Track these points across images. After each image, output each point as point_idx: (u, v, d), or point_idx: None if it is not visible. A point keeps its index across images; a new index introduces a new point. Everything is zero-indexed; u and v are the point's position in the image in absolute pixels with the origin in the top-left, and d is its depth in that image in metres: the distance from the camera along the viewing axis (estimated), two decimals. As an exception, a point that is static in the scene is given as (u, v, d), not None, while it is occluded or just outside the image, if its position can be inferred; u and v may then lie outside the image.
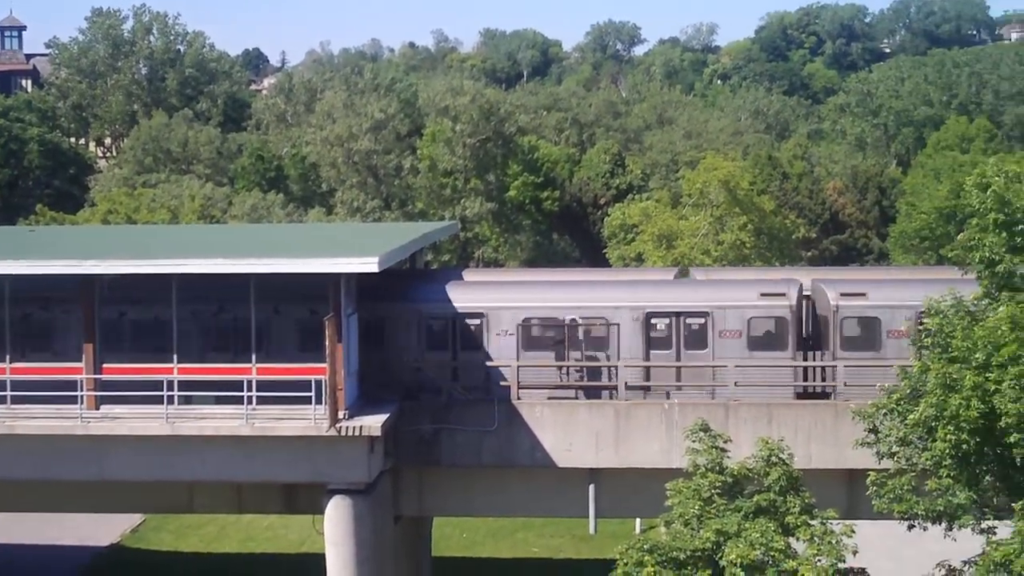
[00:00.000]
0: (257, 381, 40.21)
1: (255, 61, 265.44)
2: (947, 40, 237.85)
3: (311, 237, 55.64)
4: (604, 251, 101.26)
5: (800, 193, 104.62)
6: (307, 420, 39.48)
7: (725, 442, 33.53)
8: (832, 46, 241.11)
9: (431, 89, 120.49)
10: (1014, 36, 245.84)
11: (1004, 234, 30.99)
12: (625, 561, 31.43)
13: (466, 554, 59.78)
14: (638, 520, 57.14)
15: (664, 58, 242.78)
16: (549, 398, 43.22)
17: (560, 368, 44.05)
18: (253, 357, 40.54)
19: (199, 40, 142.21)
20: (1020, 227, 30.73)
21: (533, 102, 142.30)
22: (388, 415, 40.23)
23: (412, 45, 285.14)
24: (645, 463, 41.94)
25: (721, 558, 30.39)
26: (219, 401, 40.44)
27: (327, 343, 38.90)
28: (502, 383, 42.70)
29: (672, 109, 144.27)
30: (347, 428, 39.17)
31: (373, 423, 39.42)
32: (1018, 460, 28.65)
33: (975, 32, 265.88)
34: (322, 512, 40.73)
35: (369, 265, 38.56)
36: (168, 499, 44.88)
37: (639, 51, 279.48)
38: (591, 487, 43.16)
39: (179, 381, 40.51)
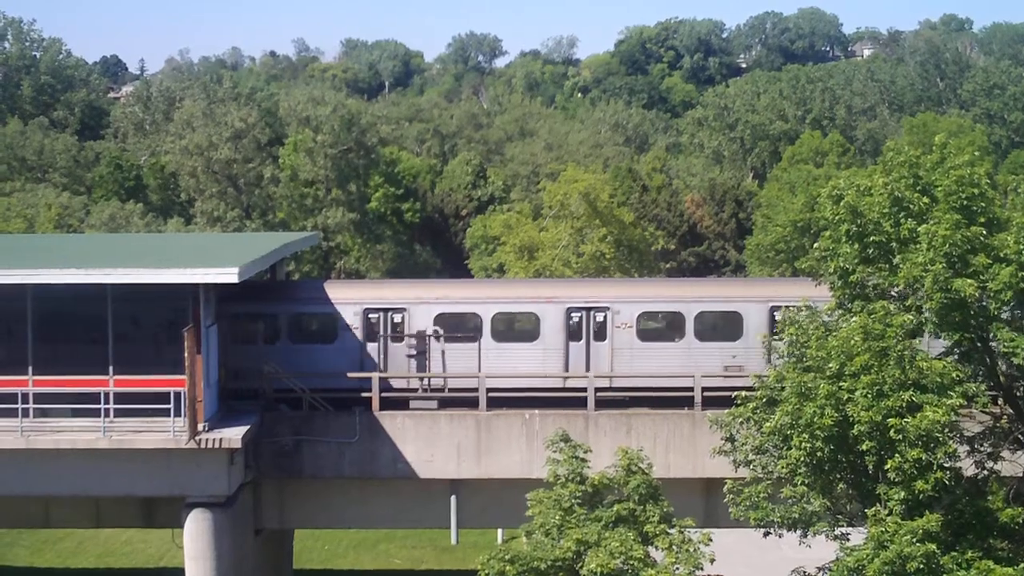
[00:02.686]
0: (115, 393, 39.64)
1: (113, 68, 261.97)
2: (802, 56, 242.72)
3: (170, 247, 54.95)
4: (466, 262, 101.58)
5: (659, 205, 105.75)
6: (166, 433, 38.97)
7: (585, 452, 33.76)
8: (690, 60, 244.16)
9: (292, 99, 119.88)
10: (866, 53, 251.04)
11: (857, 245, 31.65)
12: (487, 571, 31.52)
13: (328, 566, 59.47)
14: (500, 530, 57.34)
15: (525, 70, 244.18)
16: (412, 409, 43.31)
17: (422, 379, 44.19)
18: (110, 369, 39.96)
19: (55, 46, 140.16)
20: (872, 238, 31.39)
21: (395, 113, 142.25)
22: (248, 427, 39.91)
23: (273, 54, 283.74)
24: (506, 474, 42.10)
25: (582, 567, 30.64)
26: (76, 414, 39.78)
27: (186, 355, 38.49)
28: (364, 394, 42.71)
29: (533, 121, 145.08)
30: (206, 440, 38.77)
31: (233, 435, 39.08)
32: (870, 468, 29.21)
33: (829, 48, 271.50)
34: (181, 526, 40.24)
35: (228, 275, 38.20)
36: (23, 514, 44.00)
37: (501, 63, 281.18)
38: (453, 498, 43.23)
39: (34, 394, 39.77)
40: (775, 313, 43.00)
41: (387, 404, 42.77)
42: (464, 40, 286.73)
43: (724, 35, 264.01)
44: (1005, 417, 32.57)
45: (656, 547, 31.81)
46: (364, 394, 42.61)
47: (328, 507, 44.00)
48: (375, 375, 42.86)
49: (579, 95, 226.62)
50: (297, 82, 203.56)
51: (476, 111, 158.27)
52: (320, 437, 42.16)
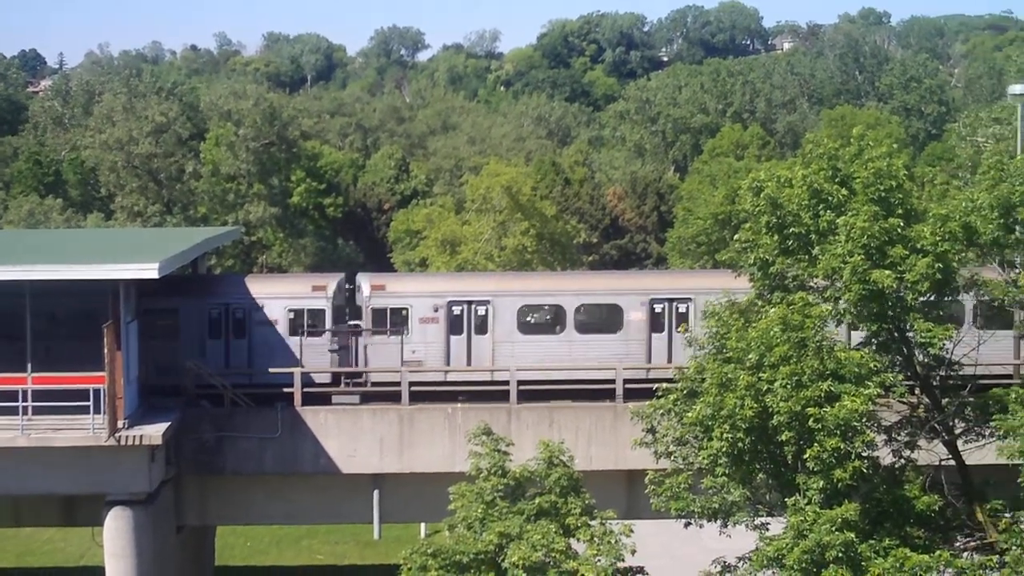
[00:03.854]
0: (33, 391, 39.18)
1: (32, 62, 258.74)
2: (722, 49, 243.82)
3: (90, 243, 54.45)
4: (389, 256, 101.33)
5: (581, 199, 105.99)
6: (85, 430, 38.62)
7: (508, 445, 33.80)
8: (612, 54, 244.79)
9: (213, 92, 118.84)
10: (786, 46, 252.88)
11: (776, 237, 31.86)
12: (409, 566, 31.50)
13: (250, 562, 59.17)
14: (423, 524, 57.27)
15: (448, 64, 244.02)
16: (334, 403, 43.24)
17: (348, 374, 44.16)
18: (29, 366, 39.49)
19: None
20: (791, 230, 31.61)
21: (317, 107, 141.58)
22: (169, 423, 39.64)
23: (194, 48, 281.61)
24: (429, 468, 42.13)
25: (504, 560, 30.65)
26: (-7, 412, 39.31)
27: (106, 351, 38.14)
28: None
29: (456, 115, 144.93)
30: (127, 437, 38.46)
31: (153, 432, 38.79)
32: (789, 457, 29.45)
33: (749, 42, 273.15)
34: (102, 524, 39.91)
35: (149, 271, 37.90)
36: (-60, 514, 43.54)
37: (423, 57, 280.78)
38: (375, 493, 43.20)
39: (-49, 392, 39.27)
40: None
41: (311, 399, 42.72)
42: (387, 34, 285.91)
43: (646, 29, 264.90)
44: (922, 406, 32.94)
45: (578, 539, 31.89)
46: (286, 389, 42.53)
47: (250, 503, 43.81)
48: (296, 371, 42.70)
49: (502, 89, 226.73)
50: (219, 76, 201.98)
51: (399, 105, 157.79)
52: (242, 433, 41.97)
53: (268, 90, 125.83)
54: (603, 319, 45.79)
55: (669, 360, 44.35)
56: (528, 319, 46.03)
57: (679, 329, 42.75)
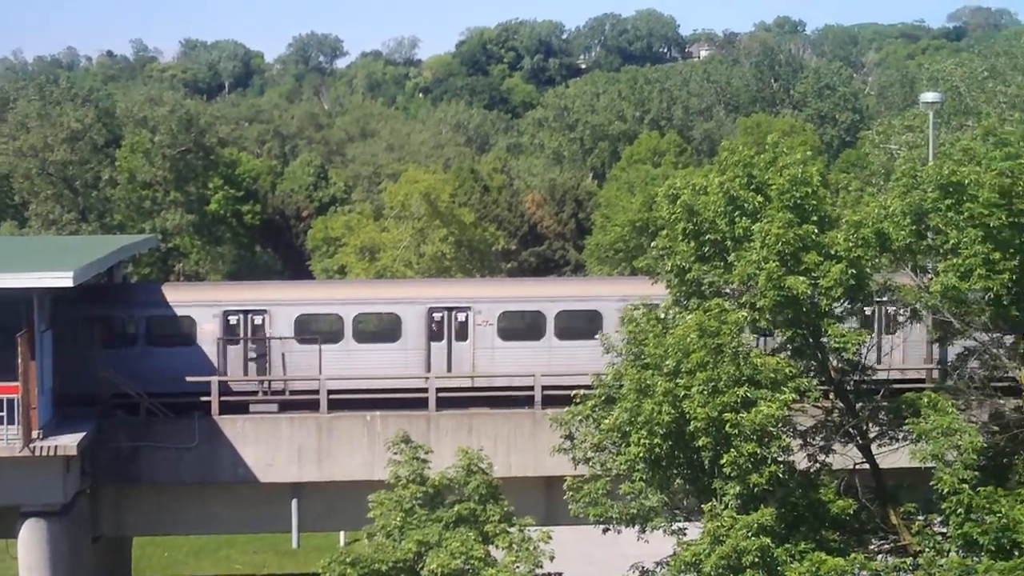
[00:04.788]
0: (-55, 401, 38.63)
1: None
2: (640, 57, 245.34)
3: (3, 251, 53.75)
4: (308, 263, 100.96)
5: (500, 206, 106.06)
6: (-1, 441, 38.17)
7: (426, 453, 33.83)
8: (530, 61, 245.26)
9: (130, 99, 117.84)
10: (703, 54, 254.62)
11: (692, 243, 32.10)
12: (328, 574, 31.46)
13: (168, 573, 58.73)
14: (342, 533, 57.11)
15: (367, 71, 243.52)
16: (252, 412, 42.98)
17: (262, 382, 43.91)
18: (-60, 376, 38.93)
19: None
20: (707, 236, 31.86)
21: (235, 113, 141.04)
22: (84, 433, 39.24)
23: (110, 54, 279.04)
24: (348, 476, 42.01)
25: (423, 568, 30.72)
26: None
27: (20, 361, 37.71)
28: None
29: (375, 122, 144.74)
30: (41, 448, 38.03)
31: (68, 442, 38.39)
32: (706, 463, 29.65)
33: (666, 50, 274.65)
34: (16, 536, 39.44)
35: (63, 280, 37.50)
36: None
37: (342, 64, 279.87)
38: (294, 502, 43.03)
39: None
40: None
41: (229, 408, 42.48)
42: (305, 40, 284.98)
43: (564, 36, 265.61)
44: (836, 411, 33.27)
45: (496, 546, 31.99)
46: (204, 398, 42.26)
47: (167, 513, 43.46)
48: (214, 379, 42.44)
49: (420, 96, 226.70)
50: (135, 82, 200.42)
51: (317, 112, 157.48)
52: (159, 443, 41.63)
53: (185, 97, 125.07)
54: (382, 329, 46.00)
55: (449, 369, 44.73)
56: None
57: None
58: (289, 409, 43.27)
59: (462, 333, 44.80)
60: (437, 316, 44.70)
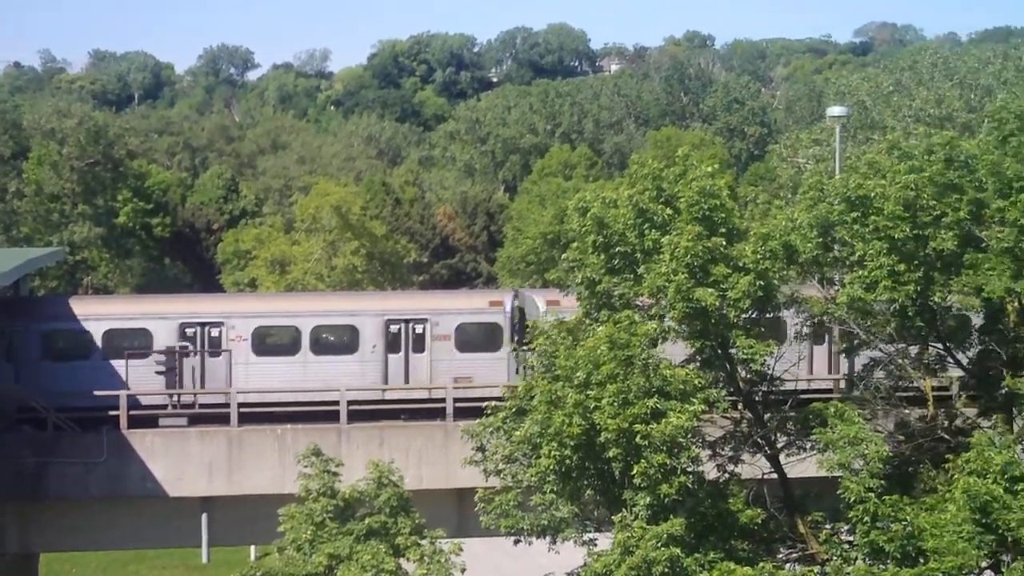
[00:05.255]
0: None
1: None
2: (551, 70, 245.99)
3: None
4: (218, 276, 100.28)
5: (411, 218, 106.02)
6: (-100, 457, 37.59)
7: (337, 466, 33.74)
8: (442, 74, 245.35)
9: (37, 111, 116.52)
10: (613, 68, 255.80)
11: (603, 256, 32.22)
12: (238, 589, 31.30)
13: (75, 590, 58.09)
14: (253, 547, 56.73)
15: (278, 83, 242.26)
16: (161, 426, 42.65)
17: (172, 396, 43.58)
18: None
19: None
20: (617, 249, 32.00)
21: (144, 125, 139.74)
22: (-12, 449, 38.74)
23: (17, 65, 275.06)
24: (259, 489, 41.73)
25: (334, 581, 30.62)
26: None
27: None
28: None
29: (286, 134, 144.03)
30: (-56, 464, 37.51)
31: (-28, 458, 37.88)
32: (617, 474, 29.76)
33: (577, 63, 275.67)
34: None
35: (-33, 293, 37.05)
36: None
37: (253, 76, 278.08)
38: (204, 516, 42.67)
39: None
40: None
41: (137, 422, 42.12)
42: (215, 52, 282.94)
43: (476, 50, 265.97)
44: (745, 421, 33.54)
45: (408, 559, 31.97)
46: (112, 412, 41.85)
47: (75, 529, 42.93)
48: (123, 393, 42.06)
49: (332, 108, 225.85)
50: (43, 94, 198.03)
51: (228, 124, 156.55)
52: (65, 458, 41.13)
53: (94, 108, 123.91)
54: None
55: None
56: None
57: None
58: (199, 423, 43.03)
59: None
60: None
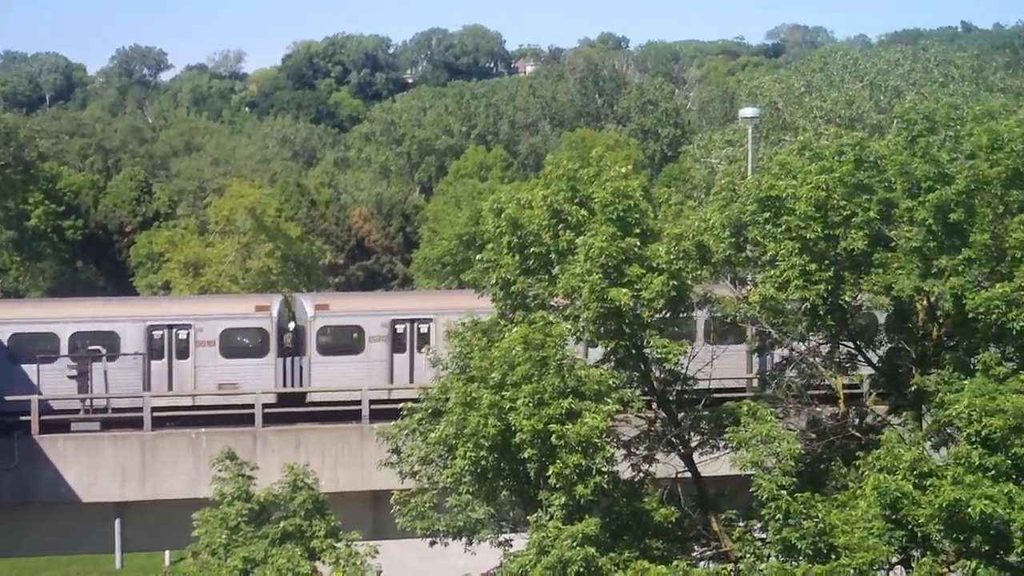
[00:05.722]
0: None
1: None
2: (466, 72, 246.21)
3: None
4: (132, 279, 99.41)
5: (327, 220, 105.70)
6: None
7: (252, 469, 33.60)
8: (357, 76, 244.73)
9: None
10: (528, 69, 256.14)
11: (517, 257, 32.27)
12: (152, 594, 31.08)
13: (-14, 597, 57.32)
14: (167, 552, 56.28)
15: (192, 84, 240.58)
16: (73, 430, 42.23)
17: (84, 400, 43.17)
18: None
19: None
20: (532, 250, 32.06)
21: (56, 127, 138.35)
22: None
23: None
24: (173, 494, 41.47)
25: (249, 585, 30.46)
26: None
27: None
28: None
29: (200, 136, 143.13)
30: None
31: None
32: (532, 474, 29.79)
33: (492, 65, 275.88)
34: None
35: None
36: None
37: (166, 77, 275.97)
38: (117, 521, 42.33)
39: None
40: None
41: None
42: (128, 53, 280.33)
43: (391, 51, 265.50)
44: (659, 421, 33.71)
45: (323, 562, 31.89)
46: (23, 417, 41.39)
47: (-16, 536, 42.45)
48: (34, 397, 41.61)
49: (246, 110, 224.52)
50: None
51: (141, 125, 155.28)
52: (-25, 464, 40.65)
53: (4, 110, 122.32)
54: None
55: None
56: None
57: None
58: (112, 427, 42.67)
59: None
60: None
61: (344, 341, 46.49)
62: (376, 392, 44.13)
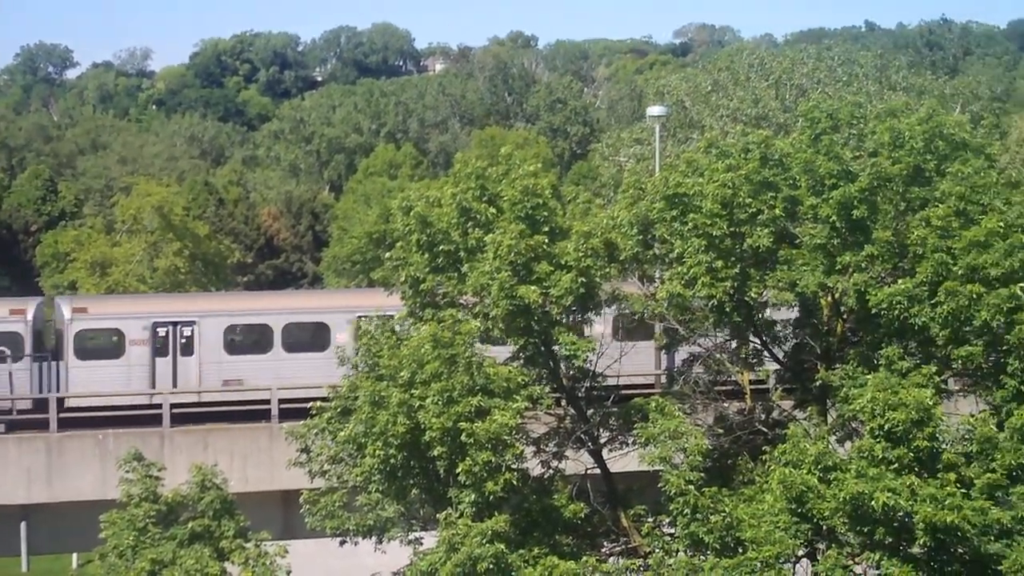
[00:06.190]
0: None
1: None
2: (375, 70, 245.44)
3: None
4: (37, 279, 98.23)
5: (236, 219, 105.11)
6: None
7: (160, 470, 33.37)
8: (266, 73, 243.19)
9: None
10: (438, 67, 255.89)
11: (427, 255, 32.30)
12: (58, 597, 30.78)
13: None
14: (75, 555, 55.70)
15: (98, 82, 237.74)
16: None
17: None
18: None
19: None
20: (441, 248, 32.09)
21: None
22: None
23: None
24: (80, 496, 41.07)
25: (156, 587, 30.27)
26: None
27: None
28: None
29: (106, 134, 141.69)
30: None
31: None
32: (442, 472, 29.83)
33: (402, 63, 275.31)
34: None
35: None
36: None
37: (72, 75, 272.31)
38: (23, 524, 41.82)
39: None
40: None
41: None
42: (33, 50, 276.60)
43: (299, 49, 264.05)
44: (568, 417, 33.88)
45: (232, 562, 31.75)
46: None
47: None
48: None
49: (154, 108, 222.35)
50: None
51: (46, 123, 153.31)
52: None
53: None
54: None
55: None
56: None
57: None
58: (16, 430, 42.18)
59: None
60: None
61: (104, 345, 45.78)
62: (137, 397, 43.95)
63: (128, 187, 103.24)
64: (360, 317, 40.73)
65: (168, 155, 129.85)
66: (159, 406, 42.66)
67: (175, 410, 42.73)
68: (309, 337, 46.37)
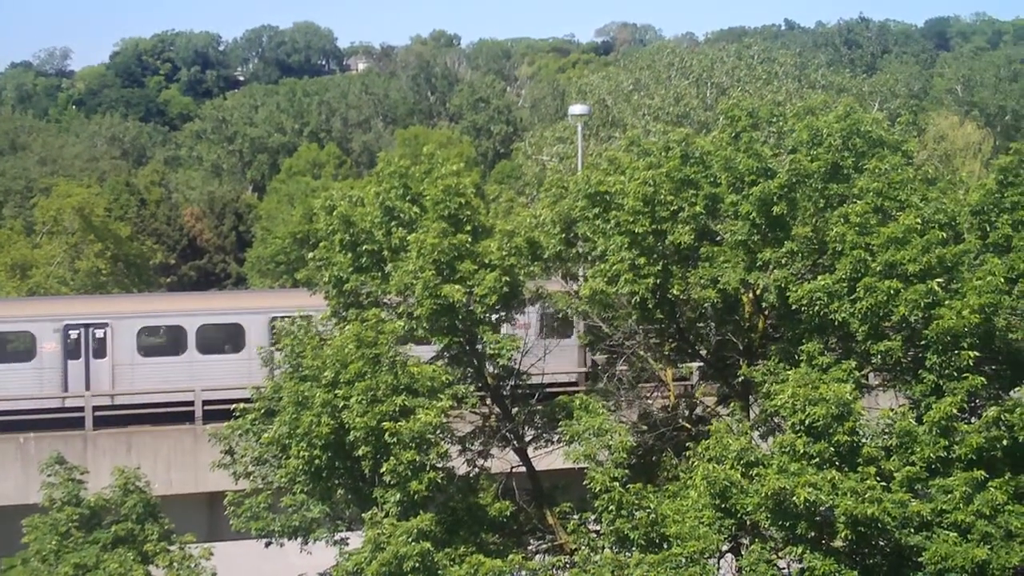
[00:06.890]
0: None
1: None
2: (298, 69, 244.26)
3: None
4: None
5: (158, 219, 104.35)
6: None
7: (82, 473, 33.10)
8: (187, 73, 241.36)
9: None
10: (361, 67, 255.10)
11: (350, 254, 32.27)
12: (-21, 603, 30.49)
13: None
14: (-3, 560, 55.14)
15: (16, 82, 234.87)
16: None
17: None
18: None
19: None
20: (365, 247, 32.09)
21: None
22: None
23: None
24: (1, 500, 40.61)
25: (80, 591, 30.03)
26: None
27: None
28: None
29: (25, 135, 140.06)
30: None
31: None
32: (367, 472, 29.82)
33: (324, 62, 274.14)
34: None
35: None
36: None
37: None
38: (-58, 531, 41.34)
39: None
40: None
41: None
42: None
43: (221, 48, 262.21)
44: (493, 416, 33.98)
45: (157, 565, 31.57)
46: None
47: None
48: None
49: (73, 108, 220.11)
50: None
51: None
52: None
53: None
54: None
55: None
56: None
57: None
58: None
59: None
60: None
61: (14, 347, 45.37)
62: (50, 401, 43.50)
63: (48, 188, 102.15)
64: (275, 318, 40.45)
65: (89, 156, 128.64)
66: (80, 408, 42.27)
67: (97, 412, 42.37)
68: (224, 338, 46.14)
